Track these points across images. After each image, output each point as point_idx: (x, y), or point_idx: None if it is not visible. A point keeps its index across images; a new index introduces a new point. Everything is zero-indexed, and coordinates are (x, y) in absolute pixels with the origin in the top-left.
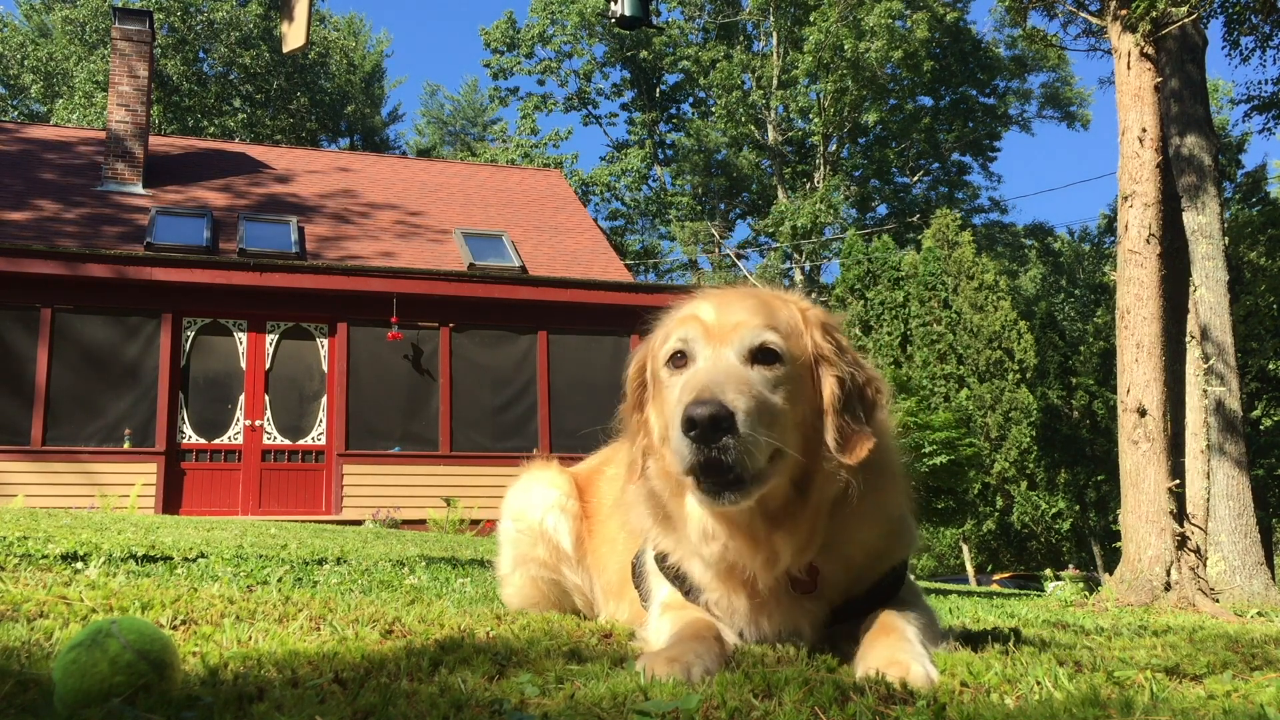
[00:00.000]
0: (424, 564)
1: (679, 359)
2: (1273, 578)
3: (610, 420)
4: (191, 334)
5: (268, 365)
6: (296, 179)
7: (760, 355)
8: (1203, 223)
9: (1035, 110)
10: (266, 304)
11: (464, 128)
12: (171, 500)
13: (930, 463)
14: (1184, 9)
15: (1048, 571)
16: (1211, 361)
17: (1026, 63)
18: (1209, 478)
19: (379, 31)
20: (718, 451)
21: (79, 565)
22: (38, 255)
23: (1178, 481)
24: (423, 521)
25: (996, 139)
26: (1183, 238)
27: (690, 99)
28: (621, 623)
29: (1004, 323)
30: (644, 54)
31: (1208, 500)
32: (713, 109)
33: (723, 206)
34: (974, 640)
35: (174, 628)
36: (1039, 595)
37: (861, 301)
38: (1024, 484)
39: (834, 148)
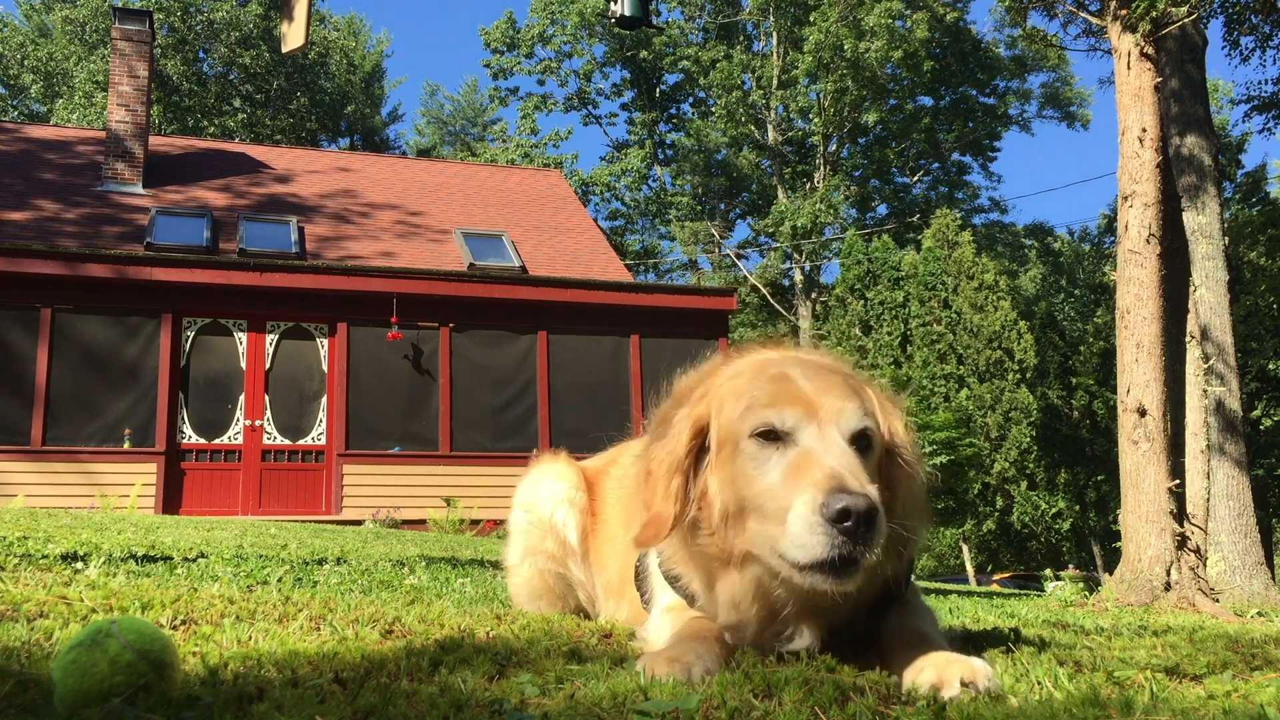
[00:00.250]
0: (424, 564)
1: (771, 434)
2: (1273, 578)
3: (610, 420)
4: (191, 334)
5: (268, 365)
6: (296, 179)
7: (858, 441)
8: (1203, 223)
9: (1035, 110)
10: (266, 304)
11: (464, 128)
12: (171, 500)
13: (930, 463)
14: (1184, 9)
15: (1048, 571)
16: (1211, 361)
17: (1026, 63)
18: (1209, 478)
19: (379, 31)
20: (861, 547)
21: (79, 565)
22: (38, 255)
23: (1178, 481)
24: (423, 521)
25: (996, 139)
26: (1183, 238)
27: (690, 99)
28: (621, 622)
29: (1004, 323)
30: (644, 54)
31: (1208, 500)
32: (713, 109)
33: (723, 206)
34: (974, 640)
35: (174, 628)
36: (1039, 595)
37: (861, 301)
38: (1024, 484)
39: (834, 148)
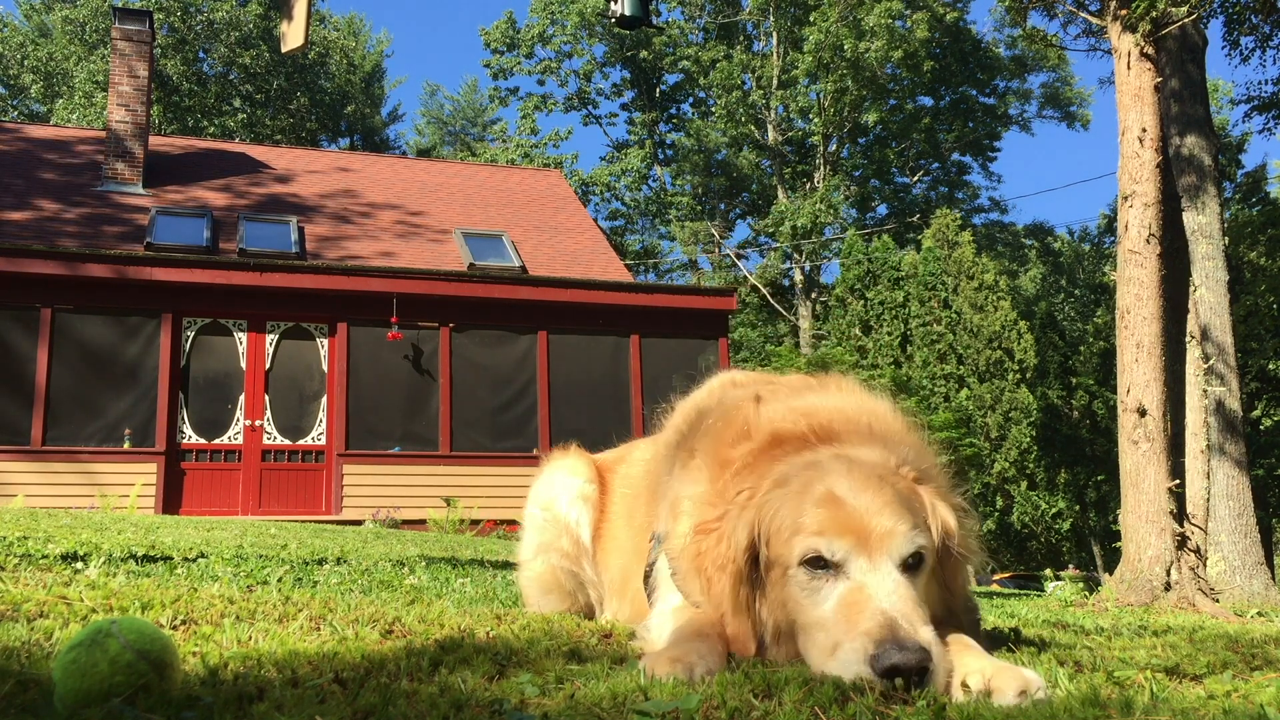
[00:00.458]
0: (424, 564)
1: (819, 563)
2: (1273, 578)
3: (610, 420)
4: (191, 334)
5: (268, 365)
6: (296, 179)
7: (910, 562)
8: (1203, 223)
9: (1035, 110)
10: (266, 304)
11: (464, 128)
12: (171, 500)
13: None
14: (1184, 9)
15: (1048, 571)
16: (1211, 361)
17: (1026, 63)
18: (1209, 478)
19: (379, 31)
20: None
21: (79, 565)
22: (38, 255)
23: (1178, 481)
24: (423, 521)
25: (996, 139)
26: (1183, 238)
27: (690, 99)
28: (623, 621)
29: (1004, 323)
30: (644, 54)
31: (1208, 500)
32: (713, 109)
33: (723, 206)
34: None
35: (174, 628)
36: (1039, 595)
37: (861, 301)
38: (1024, 484)
39: (834, 148)
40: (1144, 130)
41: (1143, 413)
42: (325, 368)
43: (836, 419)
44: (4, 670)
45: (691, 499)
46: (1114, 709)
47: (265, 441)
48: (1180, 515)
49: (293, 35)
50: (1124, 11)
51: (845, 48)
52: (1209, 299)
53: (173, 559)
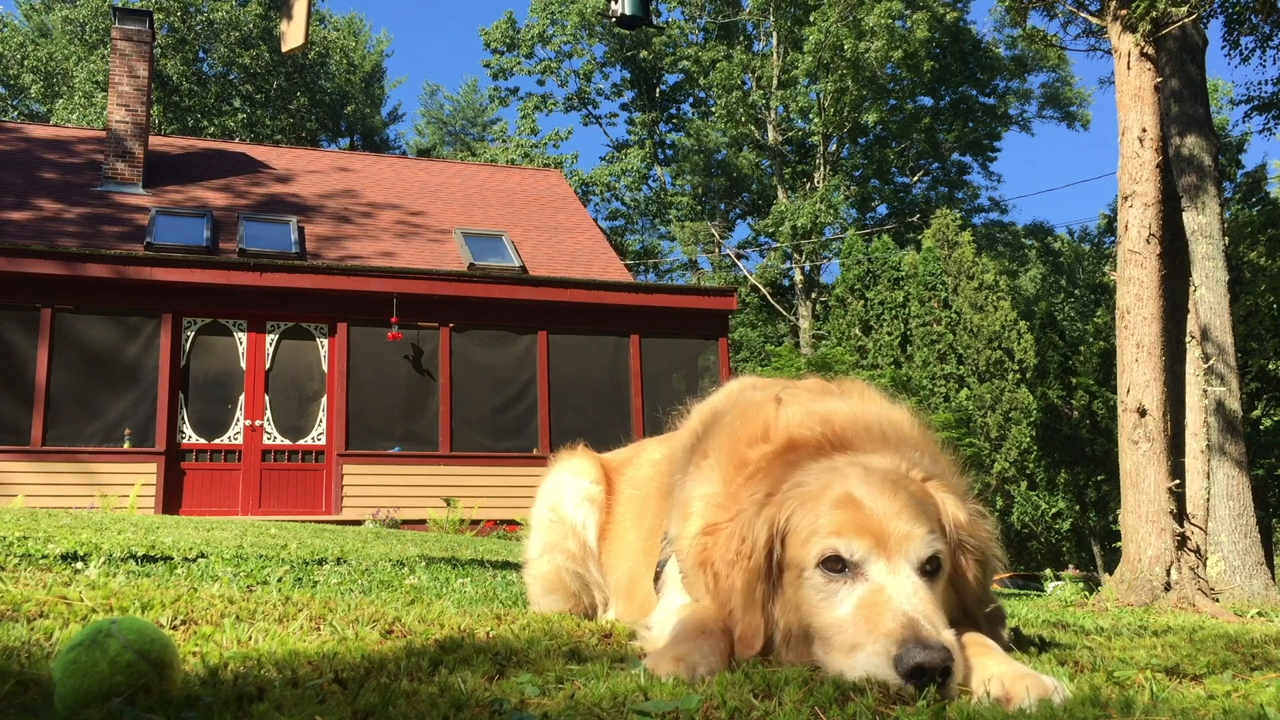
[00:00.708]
0: (424, 564)
1: (838, 563)
2: (1273, 578)
3: (610, 420)
4: (191, 334)
5: (268, 365)
6: (296, 179)
7: (928, 566)
8: (1203, 223)
9: (1035, 110)
10: (266, 304)
11: (464, 128)
12: (171, 500)
13: None
14: (1184, 9)
15: (1048, 571)
16: (1211, 361)
17: (1026, 63)
18: (1209, 478)
19: (379, 31)
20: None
21: (79, 565)
22: (38, 255)
23: (1178, 481)
24: (423, 521)
25: (996, 139)
26: (1183, 238)
27: (690, 99)
28: (625, 622)
29: (1004, 323)
30: (644, 54)
31: (1208, 500)
32: (713, 109)
33: (723, 206)
34: None
35: (174, 628)
36: (1039, 595)
37: (861, 301)
38: (1024, 484)
39: (834, 148)
40: (1144, 130)
41: (1143, 413)
42: (325, 368)
43: (855, 426)
44: (4, 670)
45: (703, 499)
46: (1114, 709)
47: (265, 441)
48: (1180, 515)
49: (293, 35)
50: (1124, 11)
51: (845, 48)
52: (1209, 299)
53: (173, 559)
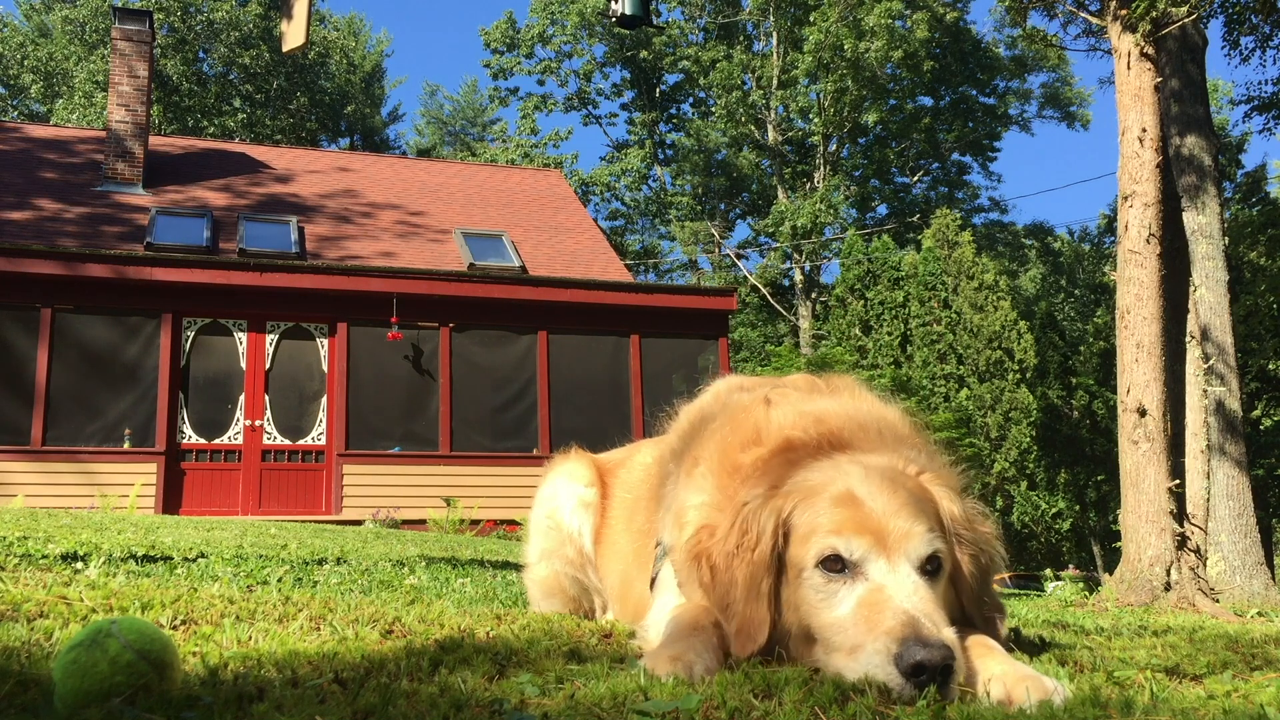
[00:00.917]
0: (424, 564)
1: (837, 562)
2: (1273, 578)
3: (610, 420)
4: (191, 334)
5: (268, 365)
6: (296, 179)
7: (928, 564)
8: (1203, 223)
9: (1035, 110)
10: (266, 304)
11: (464, 128)
12: (171, 500)
13: None
14: (1184, 9)
15: (1048, 571)
16: (1211, 361)
17: (1026, 63)
18: (1209, 478)
19: (379, 31)
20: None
21: (79, 565)
22: (38, 255)
23: (1178, 481)
24: (423, 521)
25: (996, 139)
26: (1183, 238)
27: (690, 99)
28: (623, 624)
29: (1004, 323)
30: (644, 54)
31: (1208, 500)
32: (713, 109)
33: (723, 206)
34: None
35: (174, 628)
36: (1039, 595)
37: (861, 301)
38: (1024, 484)
39: (834, 148)
40: (1144, 130)
41: (1143, 413)
42: (325, 368)
43: (850, 424)
44: (4, 670)
45: (697, 508)
46: (1114, 709)
47: (265, 441)
48: (1180, 515)
49: (293, 35)
50: (1124, 11)
51: (845, 48)
52: (1209, 299)
53: (173, 559)
